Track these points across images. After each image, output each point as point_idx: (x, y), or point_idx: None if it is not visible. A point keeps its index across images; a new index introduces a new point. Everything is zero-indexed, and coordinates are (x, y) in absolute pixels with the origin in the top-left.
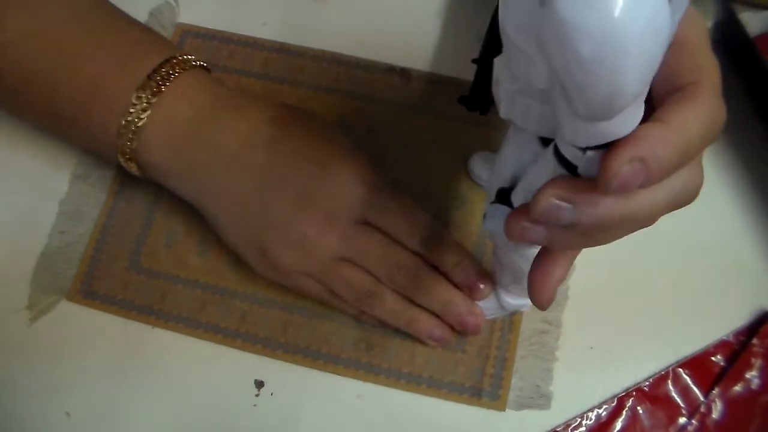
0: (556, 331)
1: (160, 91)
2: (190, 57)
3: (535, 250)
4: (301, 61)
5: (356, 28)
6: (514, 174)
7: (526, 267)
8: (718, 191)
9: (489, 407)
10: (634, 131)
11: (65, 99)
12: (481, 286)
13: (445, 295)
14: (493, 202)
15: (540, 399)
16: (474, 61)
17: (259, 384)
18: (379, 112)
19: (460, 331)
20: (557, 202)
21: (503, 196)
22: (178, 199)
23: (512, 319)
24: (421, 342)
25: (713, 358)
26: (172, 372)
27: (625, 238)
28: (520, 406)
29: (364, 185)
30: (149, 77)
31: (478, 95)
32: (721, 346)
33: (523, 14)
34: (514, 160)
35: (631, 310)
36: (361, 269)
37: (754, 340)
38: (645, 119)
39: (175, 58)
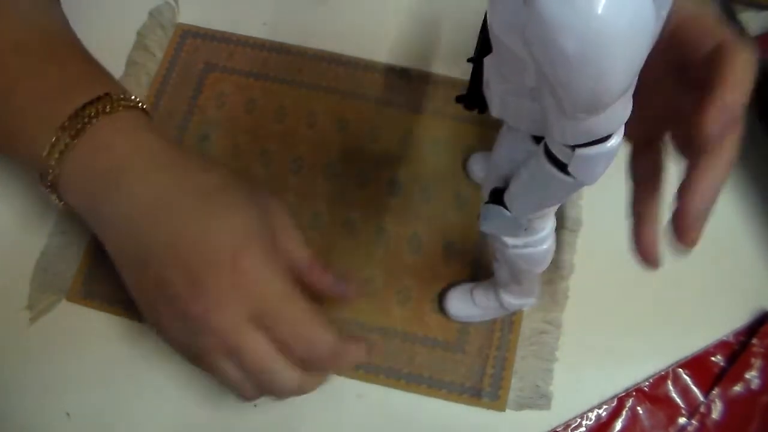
0: (556, 332)
1: (78, 135)
2: (126, 97)
3: (534, 250)
4: (301, 61)
5: (356, 28)
6: (508, 173)
7: (525, 266)
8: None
9: (489, 407)
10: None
11: None
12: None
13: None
14: (486, 203)
15: (540, 399)
16: (469, 60)
17: None
18: (379, 112)
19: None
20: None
21: (497, 196)
22: None
23: (512, 319)
24: None
25: (713, 359)
26: (172, 372)
27: (625, 238)
28: (520, 407)
29: (253, 277)
30: (72, 117)
31: (475, 94)
32: (721, 346)
33: (509, 13)
34: (508, 158)
35: (631, 310)
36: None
37: (754, 341)
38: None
39: (106, 96)
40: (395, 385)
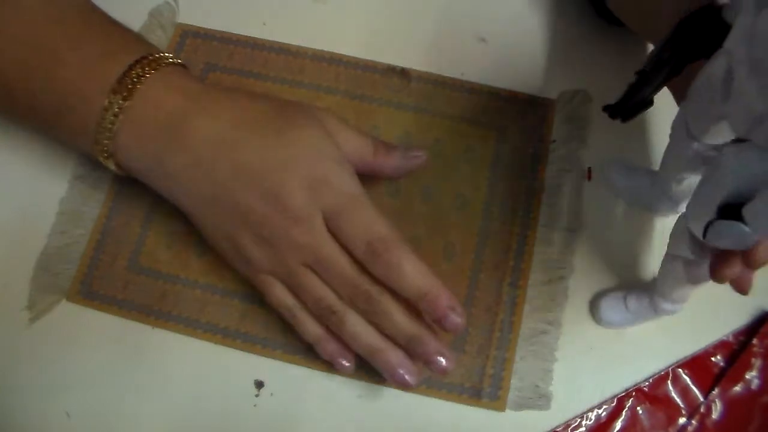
0: (555, 332)
1: (131, 95)
2: (164, 55)
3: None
4: (301, 61)
5: (356, 28)
6: (744, 189)
7: (701, 281)
8: None
9: (489, 408)
10: None
11: (44, 102)
12: (452, 317)
13: (409, 330)
14: (716, 219)
15: (540, 399)
16: (638, 72)
17: (259, 384)
18: (379, 112)
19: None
20: None
21: (730, 211)
22: None
23: (512, 319)
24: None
25: (713, 359)
26: (171, 372)
27: (625, 237)
28: (519, 407)
29: (326, 182)
30: (120, 80)
31: (627, 105)
32: (721, 346)
33: None
34: (746, 175)
35: None
36: (325, 283)
37: (754, 341)
38: None
39: (148, 57)
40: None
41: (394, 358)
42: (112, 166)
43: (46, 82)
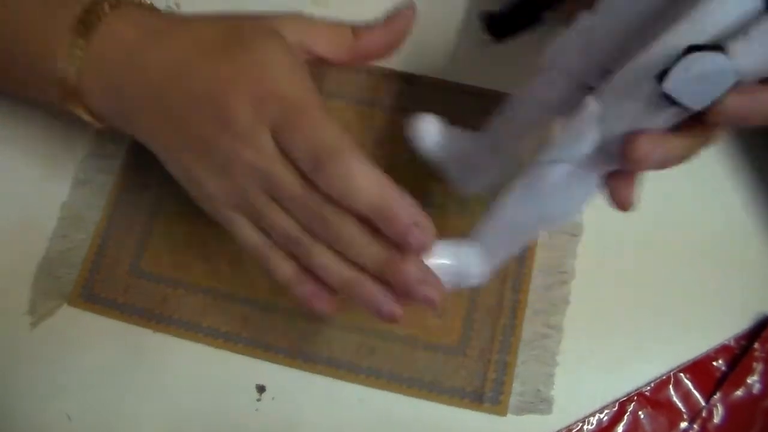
0: (557, 336)
1: (91, 34)
2: None
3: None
4: None
5: None
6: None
7: (545, 211)
8: (720, 193)
9: (490, 412)
10: None
11: (6, 54)
12: (416, 233)
13: (376, 255)
14: (682, 56)
15: (541, 404)
16: None
17: (261, 388)
18: (382, 116)
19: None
20: None
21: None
22: (179, 203)
23: (514, 323)
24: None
25: (714, 363)
26: (173, 376)
27: (627, 242)
28: (521, 411)
29: (272, 95)
30: (81, 20)
31: (512, 17)
32: (723, 350)
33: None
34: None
35: (632, 314)
36: (284, 210)
37: (756, 345)
38: None
39: None
40: (396, 390)
41: (372, 288)
42: (83, 114)
43: (5, 29)
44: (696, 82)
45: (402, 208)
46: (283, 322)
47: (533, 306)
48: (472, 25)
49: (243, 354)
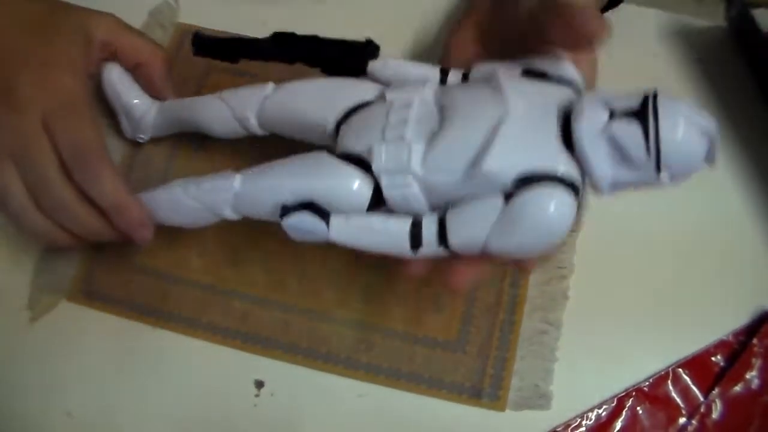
0: (556, 332)
1: None
2: None
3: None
4: None
5: (355, 27)
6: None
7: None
8: (720, 189)
9: (489, 407)
10: None
11: None
12: (142, 231)
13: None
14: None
15: (540, 399)
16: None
17: (260, 384)
18: None
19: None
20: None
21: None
22: None
23: (513, 319)
24: None
25: (713, 358)
26: (172, 372)
27: (626, 237)
28: (520, 407)
29: (54, 87)
30: None
31: (215, 44)
32: (721, 346)
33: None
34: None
35: (630, 310)
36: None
37: (754, 340)
38: None
39: None
40: (395, 385)
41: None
42: None
43: None
44: (296, 228)
45: (134, 210)
46: (281, 317)
47: (532, 301)
48: None
49: (242, 350)
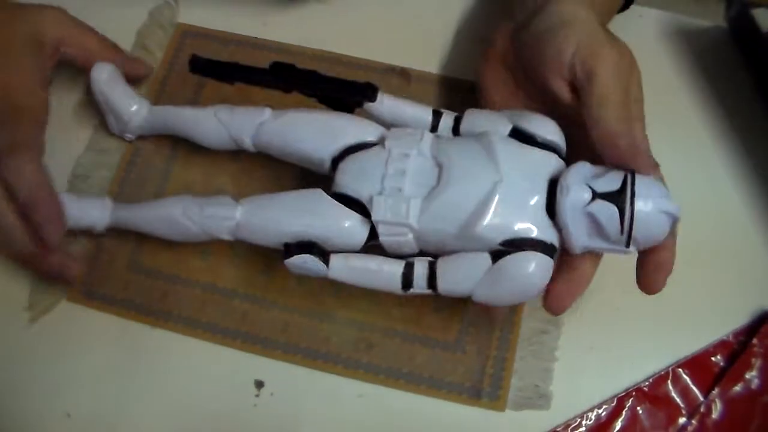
0: (556, 332)
1: None
2: None
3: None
4: (301, 62)
5: (356, 28)
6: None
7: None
8: (720, 189)
9: (489, 407)
10: None
11: None
12: (48, 227)
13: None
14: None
15: (540, 399)
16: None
17: (259, 384)
18: None
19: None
20: None
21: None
22: None
23: (513, 319)
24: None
25: (713, 358)
26: (172, 372)
27: None
28: (519, 407)
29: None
30: None
31: (212, 66)
32: (721, 346)
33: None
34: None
35: (630, 310)
36: None
37: (754, 340)
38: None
39: None
40: (395, 385)
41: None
42: None
43: None
44: (297, 266)
45: (47, 207)
46: (281, 317)
47: (532, 301)
48: (471, 23)
49: (242, 350)
